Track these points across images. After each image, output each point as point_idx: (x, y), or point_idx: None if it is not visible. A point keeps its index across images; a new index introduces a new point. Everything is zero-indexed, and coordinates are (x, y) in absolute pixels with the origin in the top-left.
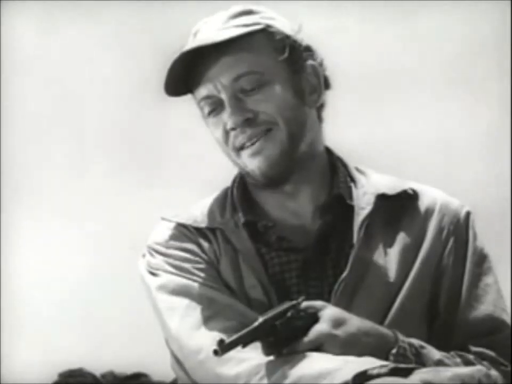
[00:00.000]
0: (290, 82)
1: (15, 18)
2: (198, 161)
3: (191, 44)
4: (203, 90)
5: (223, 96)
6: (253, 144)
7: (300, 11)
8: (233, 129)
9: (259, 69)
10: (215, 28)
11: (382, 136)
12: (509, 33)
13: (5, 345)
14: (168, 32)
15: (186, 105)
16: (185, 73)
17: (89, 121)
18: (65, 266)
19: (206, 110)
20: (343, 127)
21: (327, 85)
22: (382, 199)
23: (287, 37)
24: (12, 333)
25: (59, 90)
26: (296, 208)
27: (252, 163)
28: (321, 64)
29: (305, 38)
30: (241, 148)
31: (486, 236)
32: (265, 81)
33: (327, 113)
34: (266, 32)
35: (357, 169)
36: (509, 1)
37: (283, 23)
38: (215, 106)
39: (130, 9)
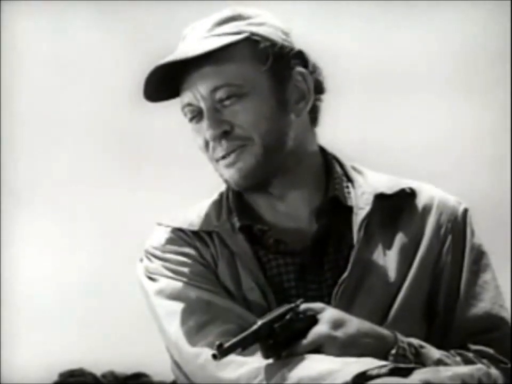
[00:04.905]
0: (273, 92)
1: (15, 18)
2: (197, 164)
3: (176, 52)
4: (185, 97)
5: (202, 105)
6: (229, 155)
7: (300, 11)
8: (211, 140)
9: (237, 81)
10: (198, 37)
11: (382, 136)
12: (509, 33)
13: (5, 345)
14: (170, 32)
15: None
16: (169, 79)
17: (89, 123)
18: (65, 267)
19: (188, 116)
20: (344, 128)
21: (320, 90)
22: (380, 198)
23: (273, 44)
24: (12, 333)
25: (59, 90)
26: (289, 211)
27: (227, 173)
28: (313, 70)
29: (304, 38)
30: (219, 159)
31: (486, 235)
32: (244, 93)
33: (328, 115)
34: (250, 41)
35: (353, 168)
36: (509, 1)
37: (273, 28)
38: (196, 114)
39: (131, 9)
